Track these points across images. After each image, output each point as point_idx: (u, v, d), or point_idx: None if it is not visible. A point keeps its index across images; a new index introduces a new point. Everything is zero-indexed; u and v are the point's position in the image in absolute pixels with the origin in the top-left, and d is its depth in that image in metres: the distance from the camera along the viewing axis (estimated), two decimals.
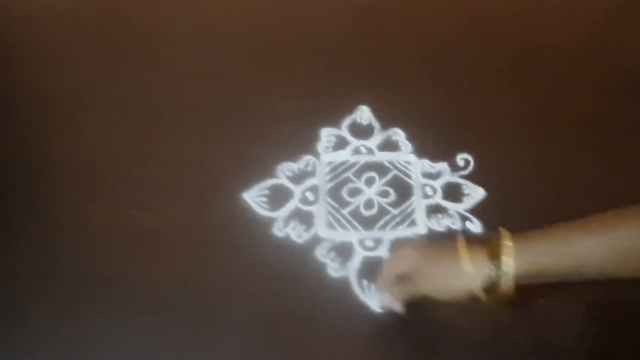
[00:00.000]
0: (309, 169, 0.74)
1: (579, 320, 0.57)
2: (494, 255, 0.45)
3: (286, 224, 0.69)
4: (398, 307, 0.55)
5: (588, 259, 0.43)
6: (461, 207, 0.70)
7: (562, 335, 0.56)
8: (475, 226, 0.68)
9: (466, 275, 0.45)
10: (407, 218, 0.69)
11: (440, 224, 0.69)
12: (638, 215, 0.43)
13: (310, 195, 0.72)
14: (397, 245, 0.56)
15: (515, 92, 0.82)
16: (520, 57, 0.88)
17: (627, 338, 0.58)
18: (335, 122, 0.79)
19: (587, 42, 0.90)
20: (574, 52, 0.88)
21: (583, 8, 0.97)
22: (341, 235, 0.68)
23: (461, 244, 0.47)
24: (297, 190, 0.72)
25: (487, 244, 0.46)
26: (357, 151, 0.76)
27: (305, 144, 0.77)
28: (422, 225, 0.68)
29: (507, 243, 0.44)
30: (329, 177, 0.74)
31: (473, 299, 0.47)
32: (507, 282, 0.44)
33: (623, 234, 0.42)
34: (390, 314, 0.57)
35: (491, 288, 0.45)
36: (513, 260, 0.43)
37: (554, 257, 0.43)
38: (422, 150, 0.76)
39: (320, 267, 0.65)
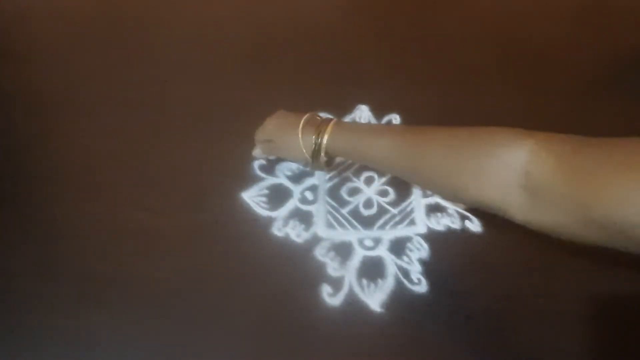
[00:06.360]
0: (308, 168, 0.74)
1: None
2: (319, 133, 0.59)
3: (285, 224, 0.69)
4: (261, 157, 0.74)
5: (376, 160, 0.57)
6: (460, 206, 0.70)
7: None
8: (475, 225, 0.68)
9: (300, 147, 0.61)
10: (406, 217, 0.69)
11: (440, 223, 0.69)
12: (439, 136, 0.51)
13: (309, 195, 0.72)
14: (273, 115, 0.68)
15: (514, 91, 0.82)
16: (520, 56, 0.88)
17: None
18: None
19: (580, 38, 0.90)
20: (571, 50, 0.89)
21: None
22: (340, 234, 0.68)
23: (304, 122, 0.61)
24: (296, 189, 0.72)
25: (321, 124, 0.60)
26: None
27: None
28: (422, 225, 0.69)
29: (329, 127, 0.59)
30: (328, 176, 0.74)
31: (306, 162, 0.63)
32: (321, 153, 0.60)
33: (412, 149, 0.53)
34: None
35: (315, 155, 0.61)
36: (327, 139, 0.59)
37: (353, 148, 0.58)
38: None
39: (320, 267, 0.65)
